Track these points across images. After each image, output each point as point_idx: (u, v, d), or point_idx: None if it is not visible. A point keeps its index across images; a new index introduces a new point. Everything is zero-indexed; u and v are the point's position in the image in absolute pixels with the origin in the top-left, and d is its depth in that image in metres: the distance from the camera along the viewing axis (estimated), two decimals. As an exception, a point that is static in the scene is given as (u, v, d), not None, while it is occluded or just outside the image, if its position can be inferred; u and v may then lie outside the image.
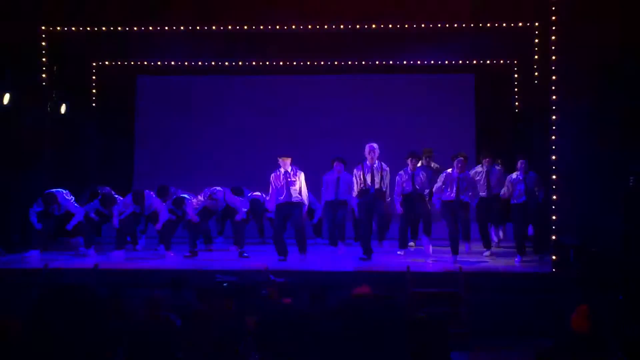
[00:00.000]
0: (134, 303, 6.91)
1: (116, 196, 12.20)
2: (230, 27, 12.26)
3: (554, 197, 10.11)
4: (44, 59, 12.40)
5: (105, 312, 3.57)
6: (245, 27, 12.31)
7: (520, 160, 11.36)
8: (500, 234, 12.50)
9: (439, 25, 12.07)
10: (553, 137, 10.11)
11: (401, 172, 11.39)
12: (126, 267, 10.73)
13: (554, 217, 10.11)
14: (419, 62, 14.36)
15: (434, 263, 10.86)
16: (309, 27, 12.21)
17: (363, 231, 11.13)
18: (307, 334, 4.16)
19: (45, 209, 11.59)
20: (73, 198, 11.87)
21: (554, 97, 10.10)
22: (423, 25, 12.12)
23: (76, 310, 3.35)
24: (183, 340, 5.25)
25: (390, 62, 14.45)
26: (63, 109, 13.59)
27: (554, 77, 10.12)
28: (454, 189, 10.85)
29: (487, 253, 11.43)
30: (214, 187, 11.91)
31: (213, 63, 14.51)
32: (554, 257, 9.95)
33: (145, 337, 4.15)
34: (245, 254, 11.52)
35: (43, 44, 12.36)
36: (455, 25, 12.12)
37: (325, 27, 12.22)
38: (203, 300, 6.77)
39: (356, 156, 14.50)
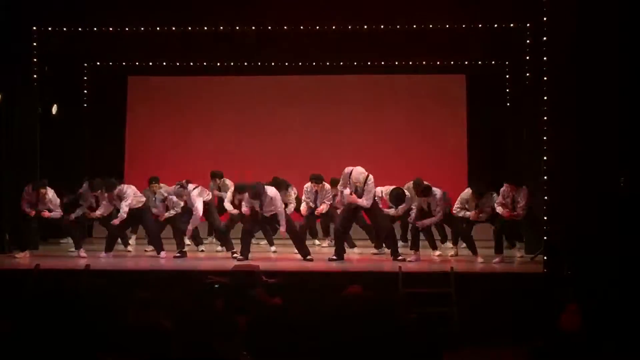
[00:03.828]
0: (124, 304, 6.87)
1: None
2: (222, 27, 12.22)
3: (545, 197, 10.12)
4: (35, 59, 12.33)
5: (95, 314, 3.55)
6: (237, 28, 12.27)
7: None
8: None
9: (431, 25, 12.04)
10: (545, 138, 10.12)
11: None
12: (117, 268, 10.70)
13: (545, 218, 10.12)
14: (410, 63, 14.34)
15: (425, 263, 10.88)
16: (301, 27, 12.19)
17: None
18: (297, 334, 4.14)
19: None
20: (59, 200, 11.81)
21: (545, 97, 10.11)
22: (415, 26, 12.09)
23: (65, 312, 3.32)
24: (174, 342, 5.22)
25: (382, 63, 14.42)
26: (54, 109, 13.53)
27: (545, 78, 10.13)
28: None
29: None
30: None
31: (205, 63, 14.46)
32: (545, 258, 9.96)
33: (136, 339, 4.13)
34: (236, 254, 11.48)
35: (34, 44, 12.29)
36: (447, 25, 12.10)
37: (317, 27, 12.20)
38: (194, 301, 6.73)
39: (345, 153, 14.53)
